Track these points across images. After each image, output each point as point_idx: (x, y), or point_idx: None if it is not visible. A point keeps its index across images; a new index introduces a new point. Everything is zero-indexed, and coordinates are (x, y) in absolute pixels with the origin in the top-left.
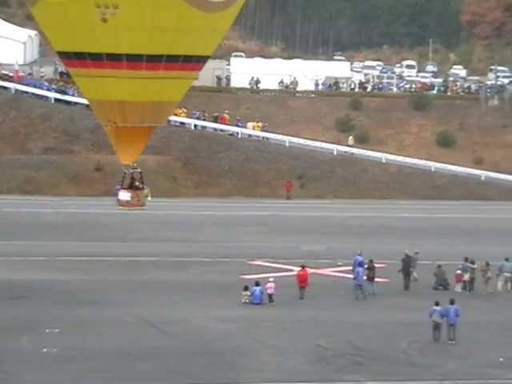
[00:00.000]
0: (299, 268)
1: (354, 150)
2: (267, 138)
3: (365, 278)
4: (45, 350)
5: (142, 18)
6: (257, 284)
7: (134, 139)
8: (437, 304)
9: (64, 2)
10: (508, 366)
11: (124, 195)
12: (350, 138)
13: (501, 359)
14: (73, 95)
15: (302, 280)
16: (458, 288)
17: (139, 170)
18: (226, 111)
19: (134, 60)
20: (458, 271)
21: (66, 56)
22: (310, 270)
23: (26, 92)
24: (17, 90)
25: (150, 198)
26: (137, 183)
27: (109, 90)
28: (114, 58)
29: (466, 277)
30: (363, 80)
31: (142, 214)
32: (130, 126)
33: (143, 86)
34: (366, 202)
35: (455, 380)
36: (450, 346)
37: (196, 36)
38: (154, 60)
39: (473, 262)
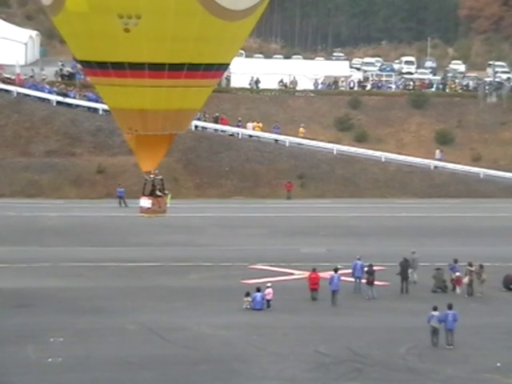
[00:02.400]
0: (304, 271)
1: (353, 149)
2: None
3: (364, 281)
4: (49, 359)
5: (164, 27)
6: (258, 290)
7: (155, 147)
8: (435, 309)
9: (87, 13)
10: (505, 370)
11: (145, 202)
12: (438, 151)
13: (498, 364)
14: (74, 98)
15: (314, 282)
16: (458, 291)
17: (160, 176)
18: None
19: (156, 69)
20: (458, 273)
21: (87, 65)
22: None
23: (28, 95)
24: (19, 93)
25: (168, 204)
26: (158, 191)
27: (130, 99)
28: (136, 67)
29: (466, 280)
30: (362, 79)
31: (143, 216)
32: (152, 133)
33: (165, 95)
34: (365, 202)
35: None
36: (448, 351)
37: (217, 44)
38: (175, 69)
39: (471, 265)
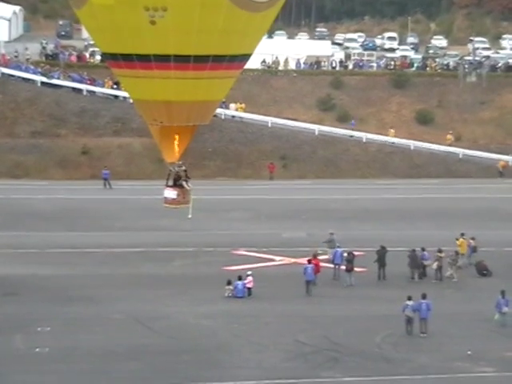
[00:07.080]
0: (285, 257)
1: (337, 130)
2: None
3: (343, 267)
4: (37, 349)
5: (190, 20)
6: (239, 278)
7: (179, 138)
8: (409, 299)
9: (112, 6)
10: (476, 359)
11: (170, 193)
12: None
13: (469, 352)
14: (58, 78)
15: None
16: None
17: (184, 167)
18: None
19: (181, 61)
20: (428, 261)
21: (112, 57)
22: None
23: (13, 75)
24: (3, 74)
25: (190, 216)
26: (183, 181)
27: (156, 91)
28: (162, 60)
29: (434, 265)
30: (343, 58)
31: (128, 199)
32: (176, 125)
33: (190, 86)
34: (346, 182)
35: (426, 375)
36: (422, 340)
37: (242, 36)
38: (200, 60)
39: (440, 251)
